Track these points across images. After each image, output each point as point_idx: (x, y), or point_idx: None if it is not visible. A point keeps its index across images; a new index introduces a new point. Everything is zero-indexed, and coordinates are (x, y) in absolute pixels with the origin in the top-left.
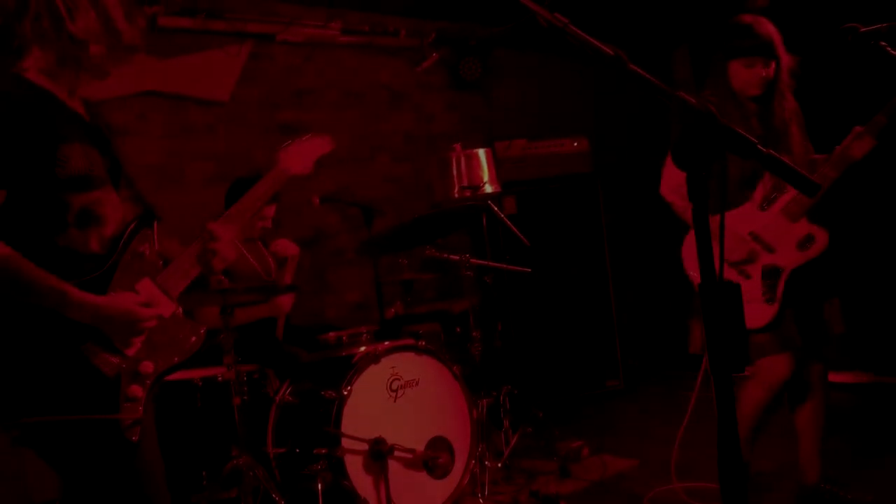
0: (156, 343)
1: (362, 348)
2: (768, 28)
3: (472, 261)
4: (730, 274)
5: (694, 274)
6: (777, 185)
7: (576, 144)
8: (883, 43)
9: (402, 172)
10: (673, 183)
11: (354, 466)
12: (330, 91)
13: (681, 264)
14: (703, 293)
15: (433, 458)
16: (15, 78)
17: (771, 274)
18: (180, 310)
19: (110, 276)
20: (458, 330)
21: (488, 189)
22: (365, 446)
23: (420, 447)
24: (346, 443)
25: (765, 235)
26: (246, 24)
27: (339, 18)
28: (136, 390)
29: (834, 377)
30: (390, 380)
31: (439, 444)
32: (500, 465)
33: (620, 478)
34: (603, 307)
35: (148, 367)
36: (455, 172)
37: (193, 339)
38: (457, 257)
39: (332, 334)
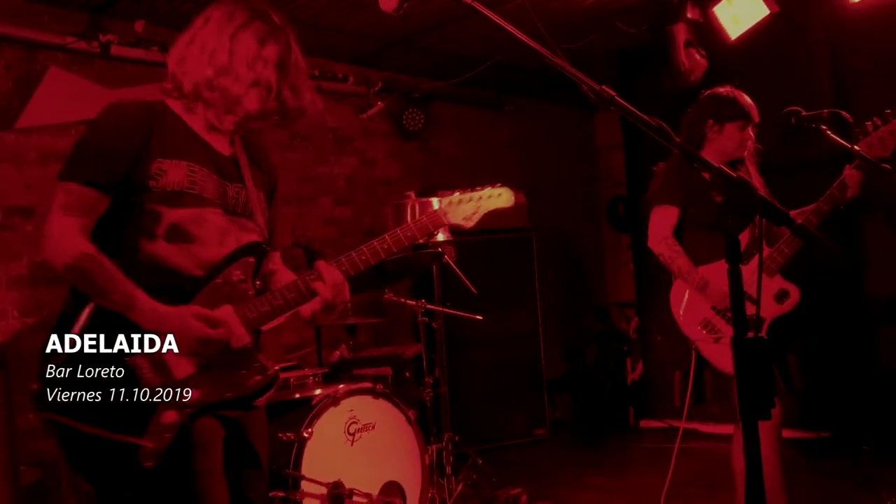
0: (213, 373)
1: (318, 391)
2: (746, 97)
3: (428, 306)
4: (718, 322)
5: (687, 326)
6: (753, 241)
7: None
8: (823, 126)
9: (342, 215)
10: (661, 235)
11: None
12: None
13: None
14: (735, 346)
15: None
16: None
17: (753, 324)
18: (252, 346)
19: (192, 296)
20: (408, 375)
21: (441, 237)
22: (323, 490)
23: (374, 492)
24: (305, 486)
25: (747, 288)
26: None
27: None
28: (171, 416)
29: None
30: (348, 423)
31: (393, 489)
32: None
33: None
34: (533, 357)
35: (193, 395)
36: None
37: (257, 378)
38: (413, 302)
39: None
